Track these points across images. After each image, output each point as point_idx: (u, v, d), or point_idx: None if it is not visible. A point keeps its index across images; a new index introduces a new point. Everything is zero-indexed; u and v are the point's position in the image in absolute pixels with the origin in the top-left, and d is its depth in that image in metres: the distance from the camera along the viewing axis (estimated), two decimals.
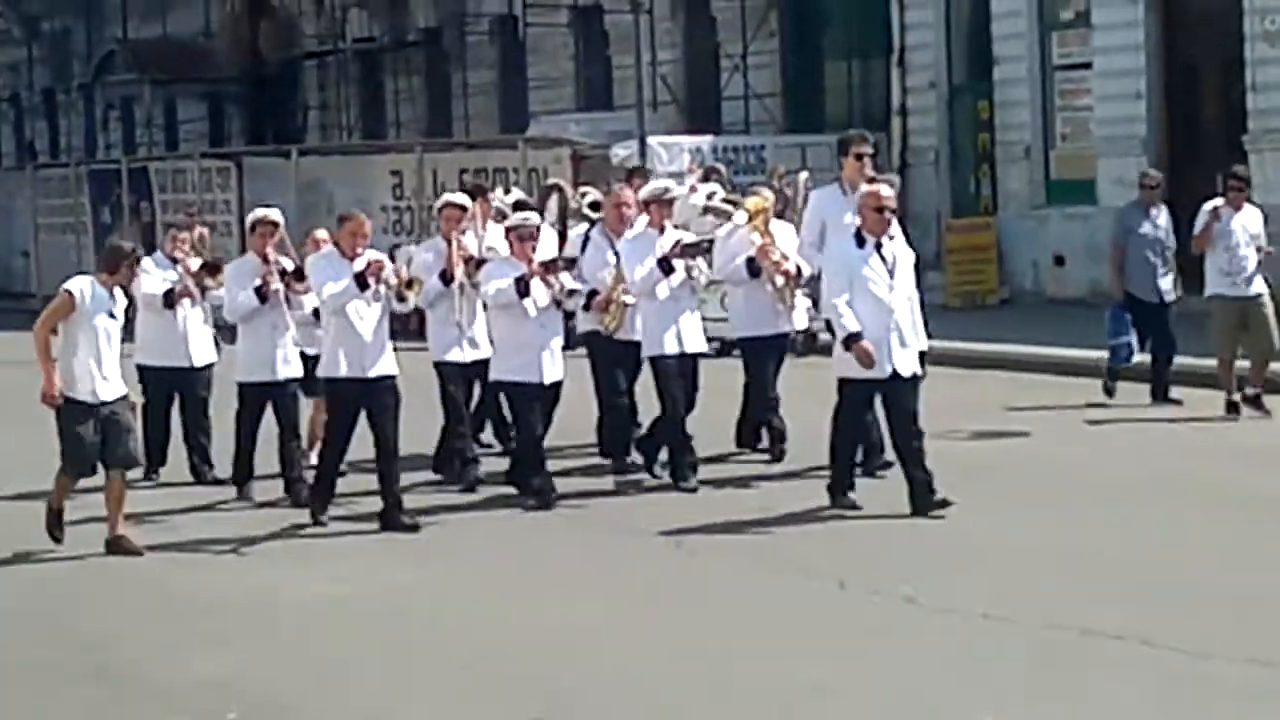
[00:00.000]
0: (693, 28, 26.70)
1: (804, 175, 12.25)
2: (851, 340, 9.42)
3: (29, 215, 29.89)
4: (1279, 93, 17.67)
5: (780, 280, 10.77)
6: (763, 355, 11.16)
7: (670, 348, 10.74)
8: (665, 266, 10.58)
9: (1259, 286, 11.99)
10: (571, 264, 10.97)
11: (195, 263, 11.27)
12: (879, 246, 9.65)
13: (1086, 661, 6.37)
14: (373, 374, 10.03)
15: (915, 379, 9.71)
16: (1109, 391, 13.04)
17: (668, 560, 8.78)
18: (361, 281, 9.78)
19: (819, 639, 6.93)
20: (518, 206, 11.82)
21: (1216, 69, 19.11)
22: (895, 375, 9.61)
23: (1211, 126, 19.10)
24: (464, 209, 11.20)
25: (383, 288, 9.82)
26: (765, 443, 11.32)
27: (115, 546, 9.27)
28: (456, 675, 6.71)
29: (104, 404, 9.25)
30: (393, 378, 10.13)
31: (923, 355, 9.86)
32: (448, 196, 11.73)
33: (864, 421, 9.97)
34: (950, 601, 7.33)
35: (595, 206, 11.91)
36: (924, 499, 9.23)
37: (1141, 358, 12.57)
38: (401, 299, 10.05)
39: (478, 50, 29.97)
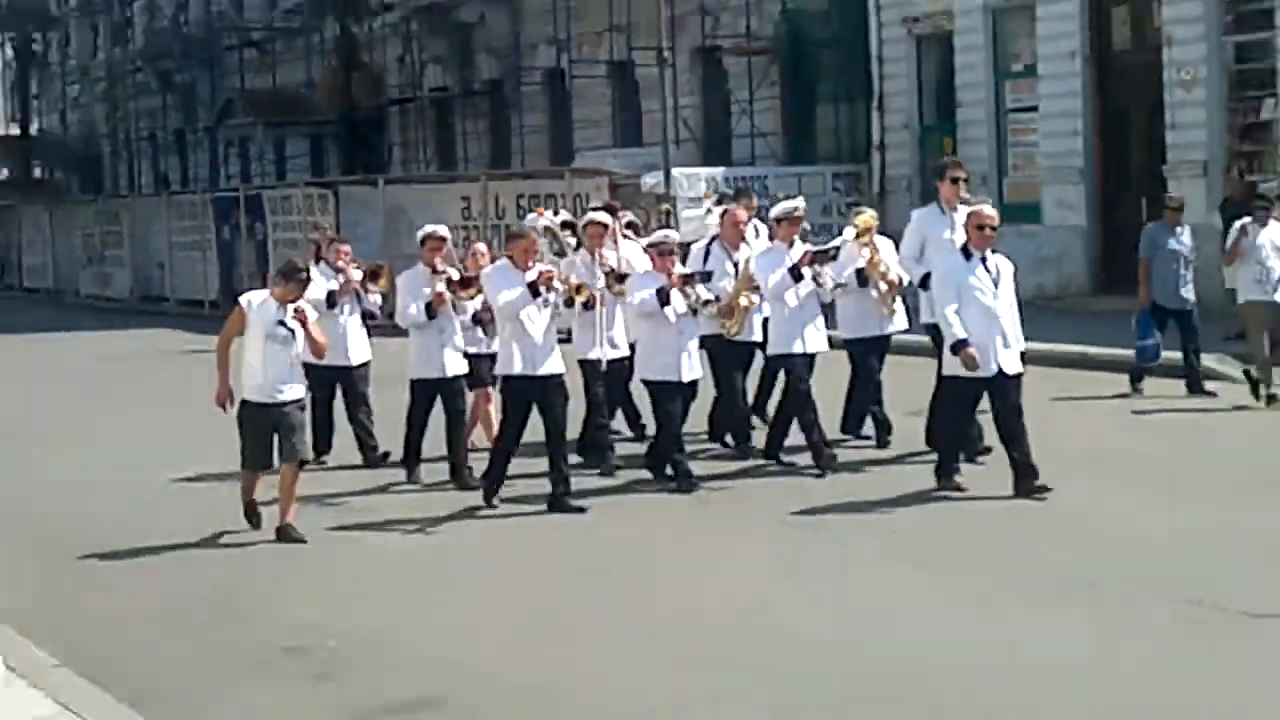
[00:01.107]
0: (708, 78, 29.76)
1: (800, 200, 12.94)
2: (959, 346, 10.33)
3: (164, 235, 33.92)
4: (1192, 131, 20.35)
5: (884, 288, 11.93)
6: (868, 354, 12.25)
7: (797, 348, 11.75)
8: (796, 274, 11.56)
9: None
10: (708, 277, 11.86)
11: (357, 274, 12.38)
12: (984, 260, 10.57)
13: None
14: (543, 371, 10.81)
15: (1018, 376, 10.60)
16: (1137, 385, 14.02)
17: (811, 539, 9.45)
18: (534, 289, 10.62)
19: (959, 609, 7.50)
20: (565, 226, 12.67)
21: (1141, 111, 21.70)
22: (1001, 373, 10.44)
23: (1137, 158, 21.67)
24: (606, 226, 12.37)
25: (553, 294, 10.77)
26: (868, 430, 12.36)
27: (282, 534, 10.00)
28: (631, 642, 7.43)
29: (277, 405, 9.92)
30: (561, 374, 11.12)
31: (1022, 354, 10.66)
32: (591, 215, 12.86)
33: (969, 414, 10.90)
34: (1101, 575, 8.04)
35: (631, 226, 13.14)
36: (1028, 482, 10.09)
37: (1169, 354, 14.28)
38: (570, 303, 11.01)
39: (531, 97, 33.88)
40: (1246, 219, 14.09)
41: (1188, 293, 14.36)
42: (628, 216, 14.21)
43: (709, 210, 15.90)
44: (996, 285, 10.67)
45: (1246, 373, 14.00)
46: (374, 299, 13.04)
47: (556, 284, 10.99)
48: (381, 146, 38.63)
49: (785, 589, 8.93)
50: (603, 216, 12.81)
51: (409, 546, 10.46)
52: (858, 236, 12.10)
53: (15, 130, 50.14)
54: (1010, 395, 10.69)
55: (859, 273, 11.97)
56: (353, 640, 7.99)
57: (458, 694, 7.09)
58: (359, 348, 12.92)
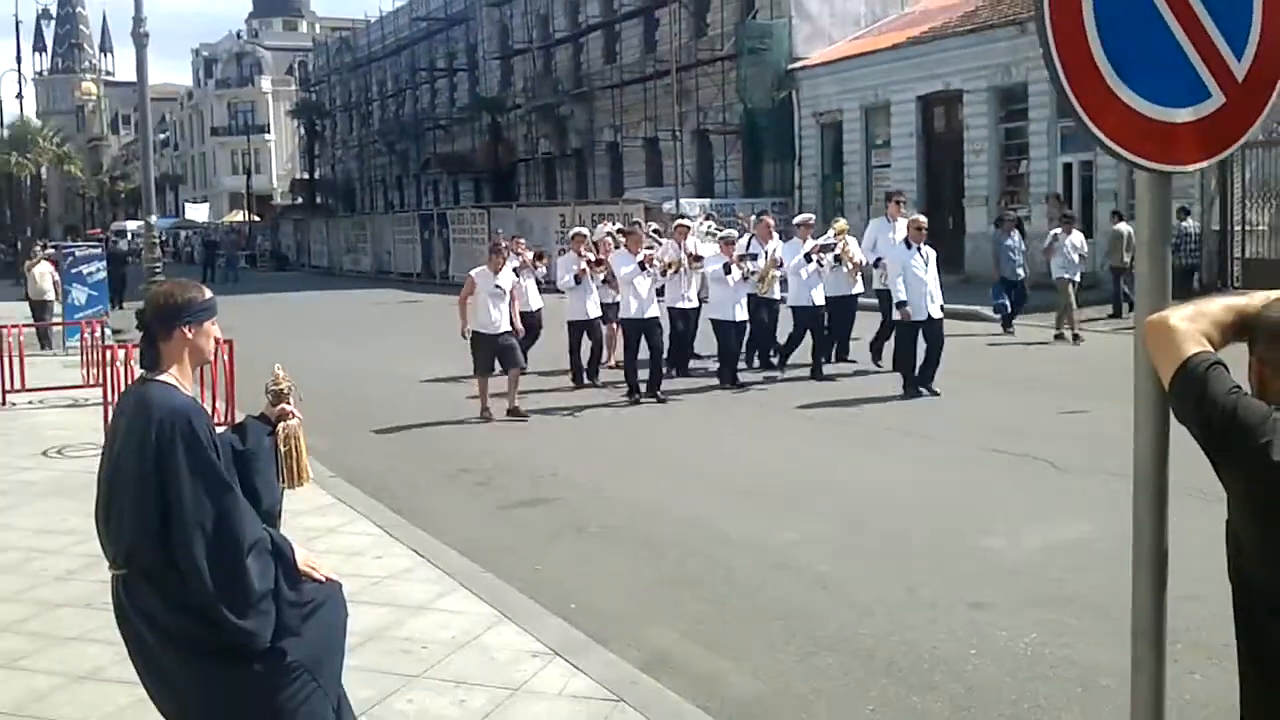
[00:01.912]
0: (701, 147, 41.24)
1: (753, 216, 18.74)
2: (901, 305, 13.50)
3: (390, 235, 47.16)
4: (979, 179, 29.84)
5: (851, 266, 15.47)
6: (843, 307, 15.83)
7: (806, 301, 15.34)
8: (808, 258, 14.98)
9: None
10: (754, 258, 15.24)
11: (530, 254, 16.84)
12: (919, 249, 13.72)
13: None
14: (648, 315, 14.07)
15: (940, 320, 13.73)
16: (1008, 329, 19.38)
17: (808, 421, 12.64)
18: (642, 265, 14.07)
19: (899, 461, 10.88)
20: (620, 231, 16.94)
21: (950, 167, 31.22)
22: (929, 318, 13.57)
23: (946, 194, 31.00)
24: (688, 227, 16.08)
25: (655, 268, 14.40)
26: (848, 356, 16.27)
27: (512, 412, 12.81)
28: (691, 477, 10.04)
29: (497, 334, 12.93)
30: (657, 317, 14.25)
31: (941, 307, 13.86)
32: (679, 219, 17.16)
33: (914, 345, 13.69)
34: (949, 434, 11.79)
35: (656, 232, 17.79)
36: (927, 384, 13.56)
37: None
38: (664, 274, 14.73)
39: (599, 158, 47.30)
40: (1059, 229, 18.75)
41: (1020, 272, 19.29)
42: (653, 225, 19.97)
43: (701, 222, 22.96)
44: (926, 264, 13.67)
45: (1059, 335, 18.32)
46: (540, 270, 17.25)
47: (655, 262, 14.40)
48: (514, 186, 52.15)
49: (775, 446, 11.40)
50: (685, 221, 16.69)
51: (563, 422, 13.05)
52: (837, 234, 15.58)
53: (305, 175, 73.11)
54: (937, 331, 13.72)
55: (836, 257, 15.29)
56: (503, 466, 10.71)
57: (564, 499, 9.41)
58: (535, 299, 16.50)
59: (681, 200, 32.83)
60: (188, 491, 3.45)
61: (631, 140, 44.18)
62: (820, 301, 15.45)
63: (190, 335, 3.71)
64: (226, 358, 11.12)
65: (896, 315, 13.87)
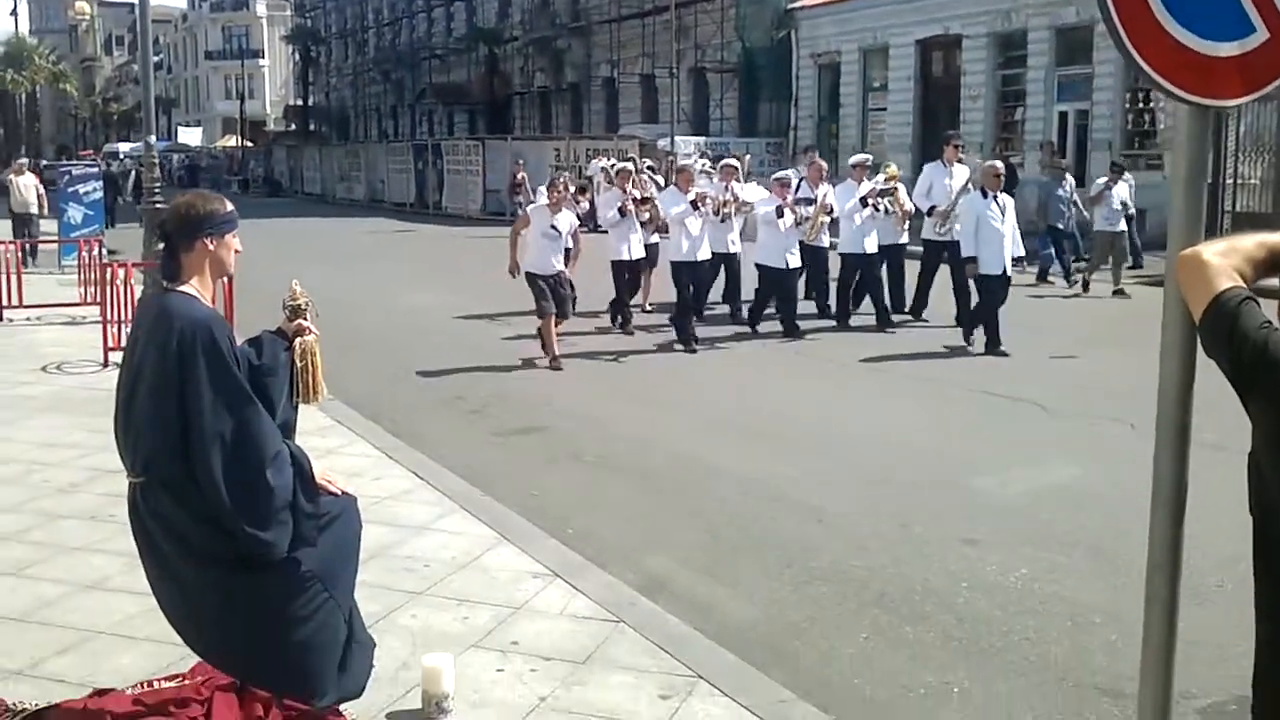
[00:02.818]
0: (697, 85, 40.94)
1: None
2: (968, 260, 12.69)
3: (384, 165, 46.74)
4: (976, 125, 29.14)
5: (900, 213, 14.49)
6: (892, 255, 14.76)
7: (860, 249, 14.26)
8: (864, 202, 14.06)
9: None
10: (810, 202, 14.14)
11: (573, 189, 14.81)
12: (995, 197, 12.65)
13: None
14: (699, 258, 13.32)
15: (1009, 278, 12.87)
16: (1044, 279, 18.75)
17: (831, 372, 12.04)
18: (694, 205, 13.16)
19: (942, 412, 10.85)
20: (614, 168, 15.97)
21: (946, 112, 30.31)
22: (1004, 271, 12.63)
23: (941, 137, 28.07)
24: (735, 168, 14.78)
25: (707, 208, 13.37)
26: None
27: (550, 364, 11.80)
28: (698, 414, 10.08)
29: (551, 275, 11.87)
30: (707, 260, 13.63)
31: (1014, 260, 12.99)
32: (726, 161, 15.56)
33: (997, 300, 12.79)
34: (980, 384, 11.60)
35: (650, 169, 16.62)
36: (995, 341, 12.52)
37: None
38: (716, 213, 13.76)
39: (595, 93, 47.12)
40: (1107, 178, 17.79)
41: (1071, 224, 18.86)
42: (648, 162, 19.27)
43: (696, 160, 21.74)
44: (1003, 214, 12.59)
45: (1085, 285, 17.64)
46: (582, 206, 16.25)
47: (708, 201, 13.44)
48: (509, 119, 51.92)
49: (787, 389, 11.22)
50: (734, 161, 15.12)
51: (595, 364, 12.29)
52: (887, 180, 14.52)
53: (299, 102, 72.50)
54: (1005, 288, 12.79)
55: (887, 204, 14.15)
56: (498, 394, 10.71)
57: (560, 428, 9.40)
58: (638, 248, 14.88)
59: (676, 138, 32.67)
60: (208, 401, 3.44)
61: (628, 76, 44.14)
62: (873, 249, 14.47)
63: (211, 247, 3.68)
64: (225, 281, 10.97)
65: (971, 270, 13.12)
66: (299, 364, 3.91)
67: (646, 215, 14.39)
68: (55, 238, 19.91)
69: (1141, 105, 25.94)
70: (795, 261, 13.83)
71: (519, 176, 32.76)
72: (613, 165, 18.06)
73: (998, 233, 12.67)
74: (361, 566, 3.90)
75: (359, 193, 49.40)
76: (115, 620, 4.91)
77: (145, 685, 4.24)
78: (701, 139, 34.31)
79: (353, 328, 13.95)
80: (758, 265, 13.95)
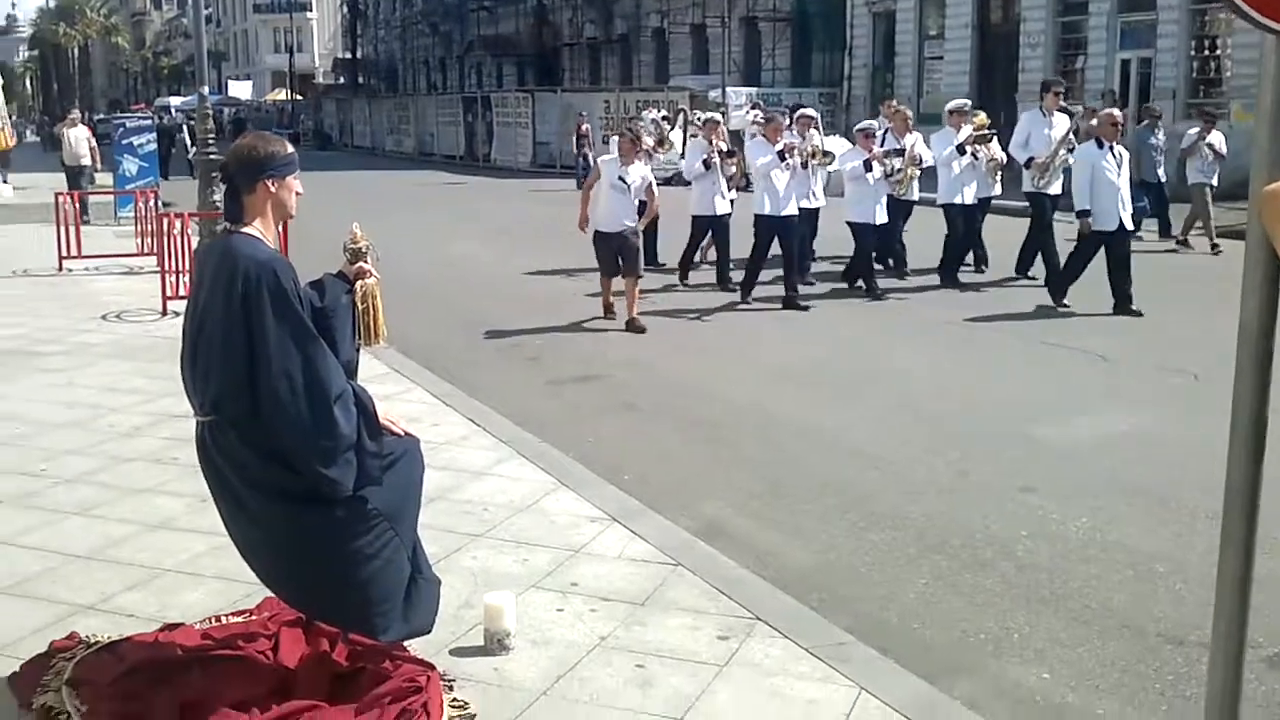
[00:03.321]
0: (749, 35, 40.88)
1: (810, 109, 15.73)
2: (1082, 214, 11.71)
3: (433, 117, 47.31)
4: (1033, 73, 27.76)
5: (991, 164, 13.92)
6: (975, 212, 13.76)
7: (959, 199, 13.58)
8: (961, 150, 13.36)
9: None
10: (900, 153, 13.72)
11: (650, 140, 14.65)
12: (1111, 148, 11.79)
13: None
14: (785, 213, 12.31)
15: (1130, 231, 11.99)
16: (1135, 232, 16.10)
17: (907, 328, 11.55)
18: (781, 155, 12.20)
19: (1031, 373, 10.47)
20: (664, 118, 16.46)
21: (1004, 61, 30.39)
22: (1121, 227, 11.70)
23: (999, 89, 29.73)
24: (812, 118, 14.20)
25: (796, 159, 12.47)
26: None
27: (630, 325, 11.26)
28: (765, 368, 9.90)
29: (618, 233, 11.20)
30: (795, 215, 12.53)
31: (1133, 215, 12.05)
32: (802, 110, 14.85)
33: (1088, 259, 12.04)
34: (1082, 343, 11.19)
35: (708, 123, 15.06)
36: (1125, 305, 11.79)
37: None
38: (805, 165, 12.90)
39: (645, 44, 47.14)
40: (1198, 128, 17.03)
41: (1161, 173, 17.63)
42: (698, 114, 18.30)
43: (748, 111, 21.04)
44: (1119, 166, 11.71)
45: (1182, 243, 16.82)
46: (659, 157, 15.65)
47: (797, 153, 12.55)
48: (558, 71, 52.12)
49: (847, 340, 11.24)
50: (810, 111, 14.66)
51: (674, 323, 11.89)
52: (976, 129, 13.81)
53: (348, 55, 72.76)
54: (1124, 245, 11.75)
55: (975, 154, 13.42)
56: (552, 344, 10.77)
57: (615, 377, 9.44)
58: (722, 204, 14.12)
59: (728, 89, 32.39)
60: (274, 340, 3.48)
61: (678, 26, 43.90)
62: (971, 200, 13.70)
63: (273, 189, 3.72)
64: (280, 230, 11.03)
65: (1081, 227, 12.16)
66: (360, 306, 3.95)
67: (733, 168, 13.77)
68: (111, 189, 20.09)
69: (1207, 53, 25.33)
70: (881, 216, 13.32)
71: (583, 128, 32.36)
72: (662, 116, 17.72)
73: (1113, 186, 11.83)
74: (421, 509, 3.94)
75: (408, 145, 49.66)
76: (182, 559, 5.01)
77: (214, 620, 4.34)
78: (753, 90, 34.12)
79: (406, 277, 14.00)
80: (849, 223, 13.35)
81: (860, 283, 13.45)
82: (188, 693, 3.65)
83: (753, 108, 23.33)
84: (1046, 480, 6.75)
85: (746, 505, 6.34)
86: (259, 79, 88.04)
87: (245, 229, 3.70)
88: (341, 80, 75.08)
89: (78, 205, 16.33)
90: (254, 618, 4.26)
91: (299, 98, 72.06)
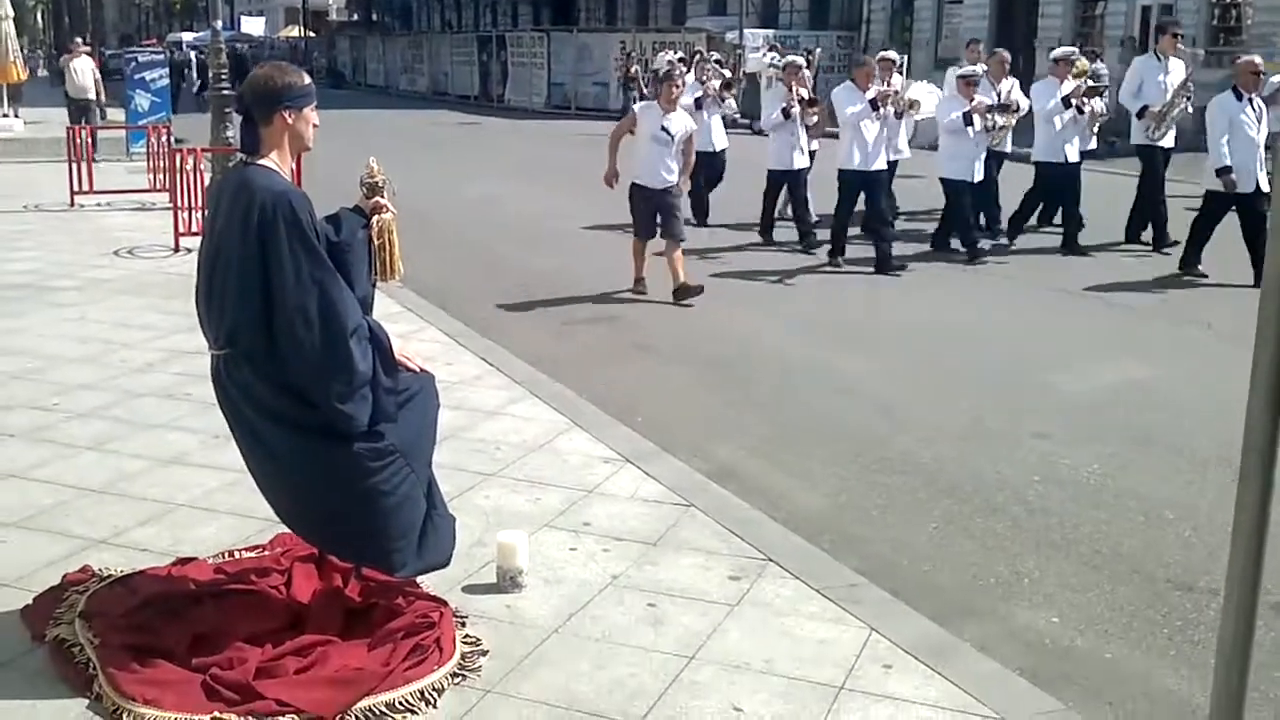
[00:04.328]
0: None
1: (819, 51, 15.91)
2: (1222, 171, 10.60)
3: (448, 56, 46.83)
4: (1054, 20, 28.70)
5: (1089, 116, 12.60)
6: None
7: (1061, 156, 12.33)
8: (1066, 103, 12.07)
9: None
10: (1006, 108, 12.53)
11: (716, 83, 14.07)
12: (1250, 100, 10.74)
13: None
14: (874, 168, 11.22)
15: (1266, 193, 10.51)
16: None
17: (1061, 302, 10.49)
18: (874, 104, 11.02)
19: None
20: (681, 60, 15.35)
21: (1024, 3, 30.23)
22: (1257, 188, 10.50)
23: (1018, 36, 29.17)
24: (894, 61, 13.02)
25: (890, 109, 11.30)
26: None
27: (681, 292, 10.00)
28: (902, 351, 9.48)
29: (660, 190, 9.87)
30: (883, 170, 11.50)
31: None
32: (882, 53, 13.39)
33: (1216, 222, 11.02)
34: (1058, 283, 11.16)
35: (719, 63, 15.37)
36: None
37: None
38: (899, 115, 11.83)
39: None
40: (1278, 75, 13.87)
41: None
42: (715, 55, 18.22)
43: (765, 54, 20.26)
44: (1259, 121, 10.70)
45: None
46: (729, 104, 14.35)
47: (891, 103, 11.35)
48: (574, 11, 51.47)
49: (886, 295, 10.95)
50: (892, 54, 13.43)
51: (756, 286, 10.98)
52: (1078, 75, 12.63)
53: None
54: (1259, 206, 10.44)
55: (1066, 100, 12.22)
56: (567, 284, 10.59)
57: (628, 318, 9.40)
58: (720, 138, 14.01)
59: (745, 31, 32.02)
60: (290, 273, 3.44)
61: None
62: (1075, 158, 12.44)
63: (290, 120, 3.65)
64: (293, 166, 10.92)
65: (1211, 182, 11.05)
66: (376, 242, 3.90)
67: (814, 118, 12.63)
68: (123, 124, 19.94)
69: (1229, 1, 24.97)
70: (981, 174, 12.16)
71: (632, 70, 30.28)
72: (678, 57, 17.26)
73: (1252, 141, 10.69)
74: (435, 447, 3.92)
75: (422, 85, 49.33)
76: (195, 494, 5.02)
77: (226, 555, 4.34)
78: (770, 32, 33.65)
79: (420, 216, 13.92)
80: (944, 180, 12.21)
81: (958, 244, 12.37)
82: (200, 626, 3.65)
83: (770, 49, 22.96)
84: (1059, 426, 6.85)
85: (759, 448, 6.33)
86: (272, 15, 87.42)
87: (262, 161, 3.67)
88: (355, 17, 74.38)
89: (90, 139, 16.16)
90: (267, 553, 4.27)
91: (312, 35, 71.49)
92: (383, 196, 3.93)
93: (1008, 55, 13.57)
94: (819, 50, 18.52)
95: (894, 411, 7.01)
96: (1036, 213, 13.39)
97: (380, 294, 4.55)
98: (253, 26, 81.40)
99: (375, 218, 3.90)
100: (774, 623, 3.97)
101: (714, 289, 10.47)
